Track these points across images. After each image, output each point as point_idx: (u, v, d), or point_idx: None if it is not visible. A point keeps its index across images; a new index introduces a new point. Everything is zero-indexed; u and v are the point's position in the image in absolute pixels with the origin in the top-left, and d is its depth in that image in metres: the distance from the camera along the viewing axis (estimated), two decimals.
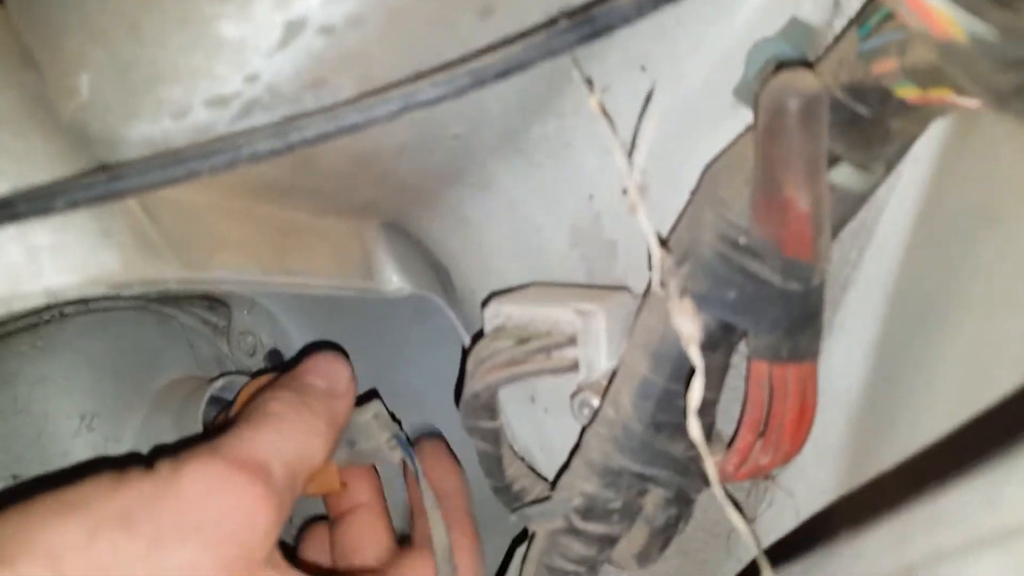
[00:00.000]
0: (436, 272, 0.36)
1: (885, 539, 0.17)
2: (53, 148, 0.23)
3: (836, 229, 0.25)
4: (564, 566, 0.30)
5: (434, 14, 0.22)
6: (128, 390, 0.43)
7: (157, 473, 0.24)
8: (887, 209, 0.26)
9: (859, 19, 0.23)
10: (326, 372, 0.31)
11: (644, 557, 0.29)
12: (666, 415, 0.26)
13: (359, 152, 0.26)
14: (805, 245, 0.22)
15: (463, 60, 0.21)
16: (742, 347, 0.28)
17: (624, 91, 0.27)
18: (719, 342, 0.26)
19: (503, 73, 0.20)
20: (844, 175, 0.23)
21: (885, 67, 0.21)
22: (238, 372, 0.48)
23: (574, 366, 0.28)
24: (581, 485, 0.28)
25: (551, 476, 0.33)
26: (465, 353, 0.35)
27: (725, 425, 0.29)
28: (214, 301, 0.51)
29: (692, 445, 0.24)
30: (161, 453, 0.25)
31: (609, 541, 0.29)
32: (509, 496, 0.32)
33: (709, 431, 0.28)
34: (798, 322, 0.24)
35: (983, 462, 0.15)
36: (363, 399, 0.35)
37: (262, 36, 0.21)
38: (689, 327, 0.23)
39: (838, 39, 0.24)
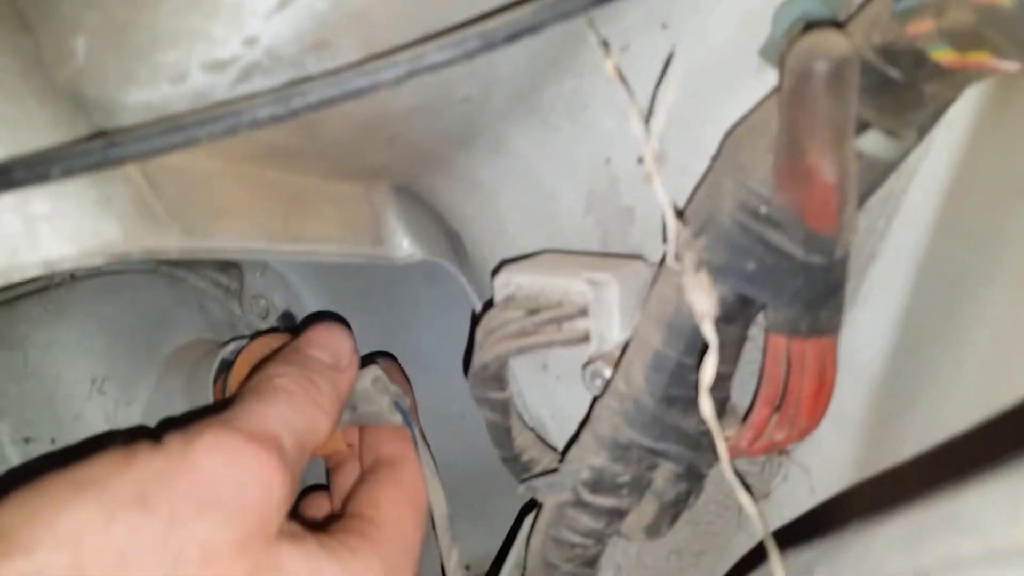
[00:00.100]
0: (448, 237, 0.35)
1: (898, 537, 0.16)
2: (49, 114, 0.22)
3: (863, 198, 0.24)
4: (571, 538, 0.29)
5: None
6: (139, 353, 0.43)
7: (168, 447, 0.24)
8: (917, 177, 0.25)
9: None
10: (329, 345, 0.30)
11: (653, 530, 0.29)
12: (678, 389, 0.26)
13: (365, 116, 0.25)
14: (829, 216, 0.21)
15: (472, 21, 0.20)
16: (760, 319, 0.27)
17: (644, 50, 0.26)
18: (736, 315, 0.25)
19: (514, 36, 0.19)
20: (873, 142, 0.22)
21: (920, 28, 0.20)
22: (250, 336, 0.48)
23: (585, 338, 0.27)
24: (590, 458, 0.28)
25: (563, 446, 0.33)
26: (476, 320, 0.34)
27: (741, 398, 0.28)
28: (226, 264, 0.50)
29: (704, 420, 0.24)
30: (167, 426, 0.25)
31: (618, 514, 0.29)
32: (518, 467, 0.32)
33: (723, 405, 0.27)
34: (819, 296, 0.23)
35: (1005, 464, 0.14)
36: (371, 362, 0.35)
37: None
38: (704, 303, 0.22)
39: None
